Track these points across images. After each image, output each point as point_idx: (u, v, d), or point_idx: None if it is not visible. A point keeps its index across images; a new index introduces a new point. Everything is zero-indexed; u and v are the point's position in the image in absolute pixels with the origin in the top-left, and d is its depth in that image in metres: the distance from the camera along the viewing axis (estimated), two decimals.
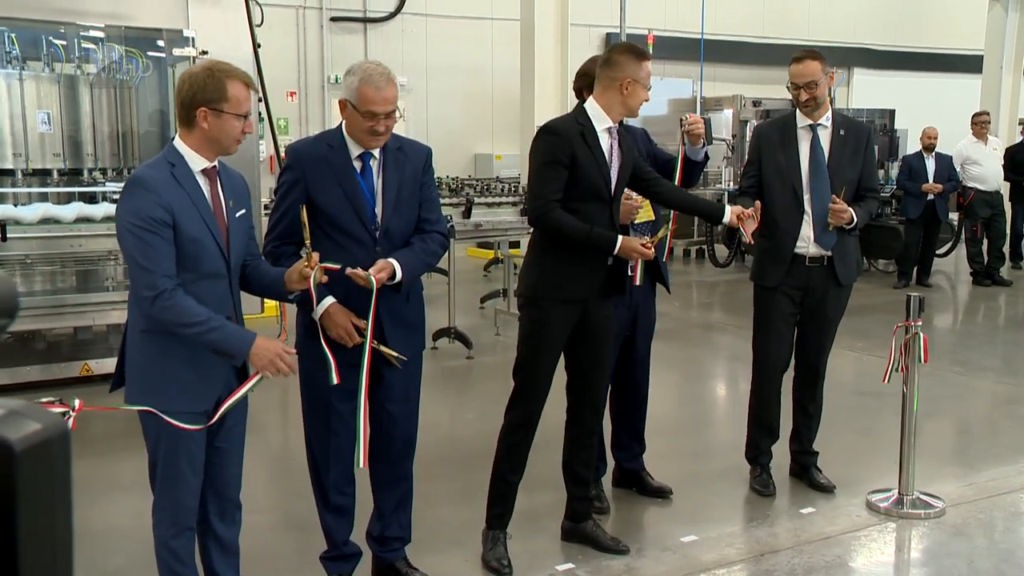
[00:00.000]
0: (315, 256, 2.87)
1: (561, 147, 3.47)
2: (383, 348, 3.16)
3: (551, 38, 10.22)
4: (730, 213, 3.90)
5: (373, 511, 3.46)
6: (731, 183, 11.91)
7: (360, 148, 3.15)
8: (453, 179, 9.79)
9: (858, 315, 7.57)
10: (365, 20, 14.20)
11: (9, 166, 6.42)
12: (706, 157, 4.30)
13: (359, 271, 3.02)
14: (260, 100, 6.78)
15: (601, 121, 3.55)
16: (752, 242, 4.00)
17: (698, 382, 7.12)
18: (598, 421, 3.91)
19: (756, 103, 12.90)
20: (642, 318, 4.30)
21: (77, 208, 6.20)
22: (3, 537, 0.84)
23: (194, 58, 6.35)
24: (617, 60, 3.54)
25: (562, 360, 3.71)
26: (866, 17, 18.00)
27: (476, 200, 7.94)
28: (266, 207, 6.95)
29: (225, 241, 2.82)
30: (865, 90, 17.68)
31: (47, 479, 0.88)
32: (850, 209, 4.18)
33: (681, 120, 4.26)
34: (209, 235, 2.76)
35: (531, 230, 3.87)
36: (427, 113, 12.89)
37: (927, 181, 10.34)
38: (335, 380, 3.03)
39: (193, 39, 6.37)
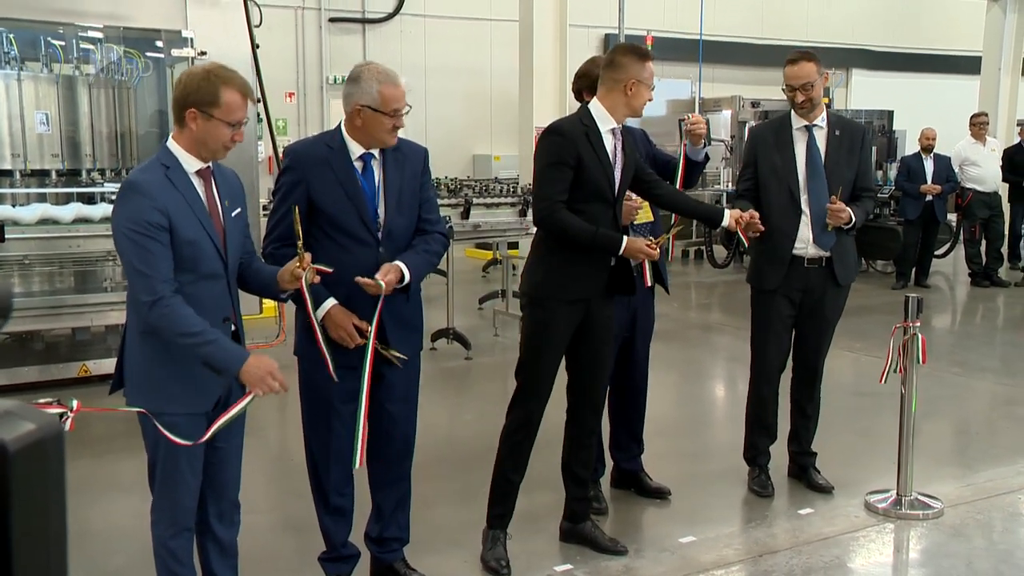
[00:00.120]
0: (307, 257, 2.88)
1: (566, 148, 3.49)
2: (384, 350, 3.16)
3: (550, 39, 10.22)
4: (729, 217, 3.91)
5: (371, 512, 3.46)
6: (729, 184, 11.92)
7: (361, 149, 3.15)
8: (452, 180, 9.78)
9: (857, 316, 7.57)
10: (364, 21, 14.21)
11: (7, 167, 6.41)
12: (706, 158, 4.31)
13: (368, 280, 3.03)
14: (259, 101, 6.78)
15: (605, 122, 3.56)
16: (748, 243, 4.01)
17: (697, 383, 7.12)
18: (598, 421, 3.91)
19: (755, 104, 12.92)
20: (641, 319, 4.30)
21: (75, 209, 6.19)
22: None
23: (192, 59, 6.35)
24: (620, 61, 3.55)
25: (562, 360, 3.72)
26: (864, 18, 18.03)
27: (475, 201, 7.94)
28: (264, 208, 6.96)
29: (222, 242, 2.81)
30: (863, 91, 17.72)
31: (41, 479, 0.88)
32: (848, 209, 4.19)
33: (681, 120, 4.26)
34: (206, 236, 2.75)
35: (530, 231, 3.88)
36: (426, 114, 12.90)
37: (925, 182, 10.35)
38: (335, 378, 3.04)
39: (191, 40, 6.37)
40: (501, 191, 8.89)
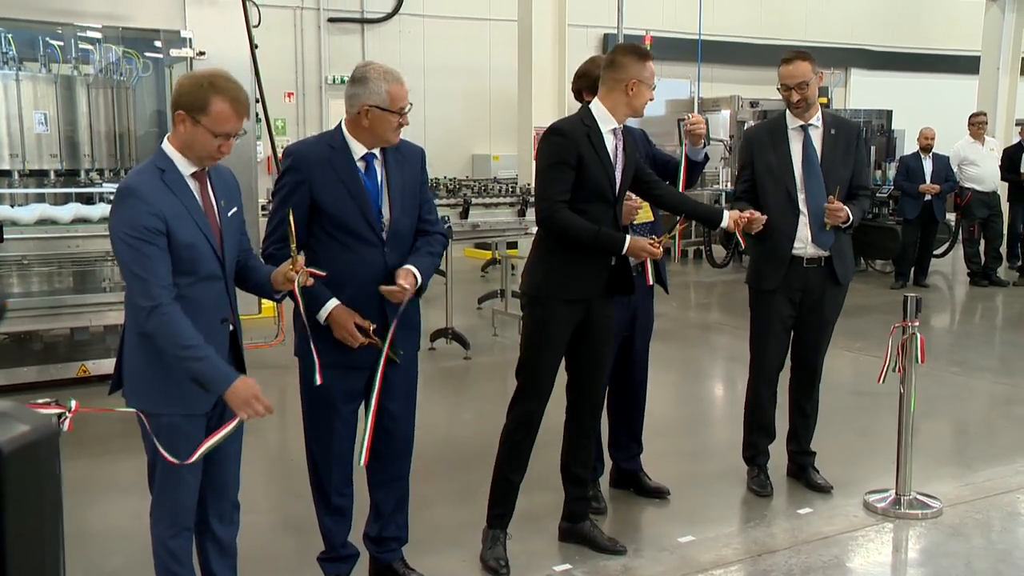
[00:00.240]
0: (300, 259, 2.89)
1: (567, 148, 3.49)
2: (387, 348, 3.16)
3: (549, 39, 10.22)
4: (728, 218, 3.91)
5: (370, 512, 3.46)
6: (728, 183, 11.92)
7: (363, 149, 3.16)
8: (451, 180, 9.78)
9: (855, 315, 7.58)
10: (363, 21, 14.21)
11: (6, 167, 6.41)
12: (706, 157, 4.31)
13: (393, 288, 3.07)
14: (258, 101, 6.78)
15: (606, 122, 3.57)
16: (745, 244, 4.01)
17: (696, 382, 7.12)
18: (597, 421, 3.92)
19: (754, 104, 12.93)
20: (641, 318, 4.30)
21: (74, 209, 6.19)
22: None
23: (191, 59, 6.35)
24: (621, 61, 3.56)
25: (562, 360, 3.72)
26: (864, 18, 18.03)
27: (474, 201, 7.94)
28: (263, 207, 6.96)
29: (219, 243, 2.81)
30: (862, 91, 17.73)
31: (35, 480, 0.88)
32: (846, 208, 4.19)
33: (679, 121, 4.26)
34: (203, 239, 2.75)
35: (529, 231, 3.88)
36: (425, 114, 12.89)
37: (924, 182, 10.35)
38: (318, 381, 3.05)
39: (190, 40, 6.37)
40: (500, 191, 8.89)
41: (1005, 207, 11.23)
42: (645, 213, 4.13)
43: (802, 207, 4.26)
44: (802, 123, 4.29)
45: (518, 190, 8.76)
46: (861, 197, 4.40)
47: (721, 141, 12.34)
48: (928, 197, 10.36)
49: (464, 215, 7.73)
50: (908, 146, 12.30)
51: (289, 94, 13.63)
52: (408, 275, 3.12)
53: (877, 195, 10.99)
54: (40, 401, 2.44)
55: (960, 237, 11.32)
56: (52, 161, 6.55)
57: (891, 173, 11.41)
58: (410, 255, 3.22)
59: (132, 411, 2.75)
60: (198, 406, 2.78)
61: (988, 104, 12.96)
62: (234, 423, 2.72)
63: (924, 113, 12.67)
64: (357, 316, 3.10)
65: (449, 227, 7.32)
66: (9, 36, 6.50)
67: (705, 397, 6.87)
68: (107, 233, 2.78)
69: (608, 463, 4.50)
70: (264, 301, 5.92)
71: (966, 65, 15.76)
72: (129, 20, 6.48)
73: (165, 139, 2.78)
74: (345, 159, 3.14)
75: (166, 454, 2.65)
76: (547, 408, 3.68)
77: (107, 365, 3.81)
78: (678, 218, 4.28)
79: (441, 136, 13.36)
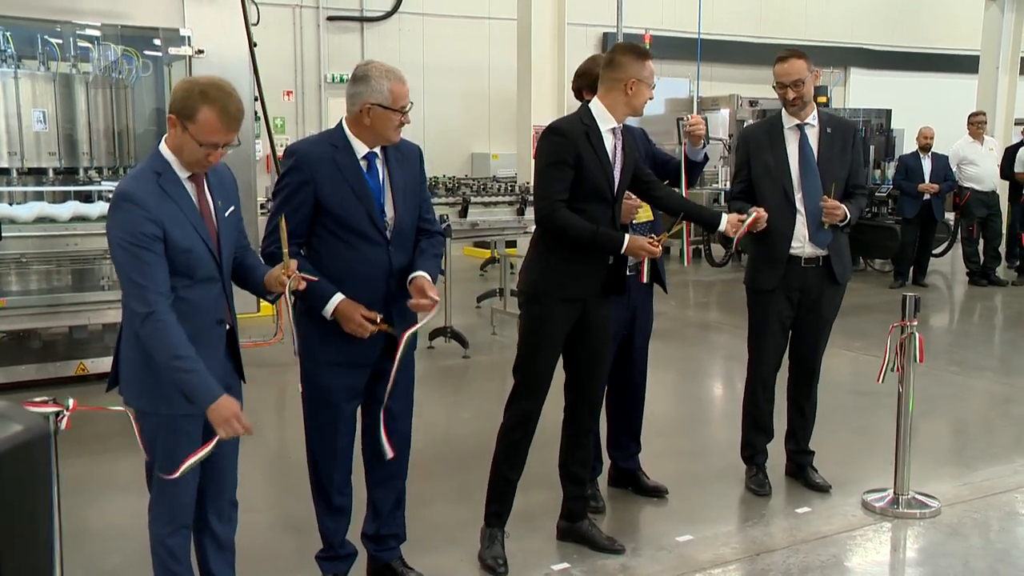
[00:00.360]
0: (292, 264, 2.90)
1: (566, 147, 3.49)
2: (390, 328, 3.17)
3: (548, 38, 10.21)
4: (725, 222, 3.89)
5: (367, 510, 3.46)
6: (727, 183, 11.92)
7: (365, 148, 3.16)
8: (450, 178, 9.78)
9: (854, 315, 7.59)
10: (362, 19, 14.20)
11: (4, 165, 6.41)
12: (705, 158, 4.31)
13: (424, 301, 3.10)
14: (257, 99, 6.78)
15: (605, 121, 3.57)
16: (737, 245, 4.00)
17: (695, 381, 7.12)
18: (595, 420, 3.91)
19: (753, 103, 12.92)
20: (640, 318, 4.30)
21: (73, 207, 6.19)
22: None
23: (190, 57, 6.35)
24: (620, 61, 3.55)
25: (561, 359, 3.72)
26: (863, 17, 18.03)
27: (473, 199, 7.93)
28: (263, 207, 6.95)
29: (216, 245, 2.81)
30: (862, 90, 17.72)
31: (28, 480, 0.87)
32: (843, 206, 4.20)
33: (679, 120, 4.26)
34: (201, 243, 2.75)
35: (528, 229, 3.88)
36: (424, 112, 12.88)
37: (923, 181, 10.35)
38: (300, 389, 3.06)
39: (189, 38, 6.37)
40: (499, 190, 8.90)
41: (1004, 206, 11.24)
42: (645, 212, 4.13)
43: (799, 206, 4.26)
44: (798, 122, 4.29)
45: (517, 189, 8.76)
46: (858, 196, 4.41)
47: (720, 140, 12.35)
48: (927, 196, 10.36)
49: (463, 214, 7.73)
50: (907, 145, 12.29)
51: (288, 92, 13.62)
52: (433, 287, 3.15)
53: (876, 194, 11.00)
54: (38, 400, 2.44)
55: (959, 236, 11.32)
56: (51, 159, 6.55)
57: (890, 172, 11.41)
58: (417, 258, 3.24)
59: (130, 411, 2.75)
60: (196, 405, 2.78)
61: (987, 103, 12.96)
62: (213, 443, 2.72)
63: (923, 112, 12.68)
64: (363, 308, 3.10)
65: (448, 226, 7.33)
66: (8, 34, 6.49)
67: (704, 396, 6.87)
68: (105, 232, 2.77)
69: (607, 462, 4.50)
70: (263, 301, 5.93)
71: (965, 64, 15.76)
72: (128, 18, 6.48)
73: (162, 141, 2.77)
74: (349, 158, 3.14)
75: (166, 475, 2.67)
76: (546, 407, 3.68)
77: (106, 363, 3.80)
78: (679, 216, 4.27)
79: (440, 134, 13.35)
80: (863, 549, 3.95)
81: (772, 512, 4.25)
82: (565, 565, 3.68)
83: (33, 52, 6.70)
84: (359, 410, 3.34)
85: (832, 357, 4.76)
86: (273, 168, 8.38)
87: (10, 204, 6.20)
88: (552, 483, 3.92)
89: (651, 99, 3.64)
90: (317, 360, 3.23)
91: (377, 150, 3.19)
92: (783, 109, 4.32)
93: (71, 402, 2.46)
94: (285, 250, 2.89)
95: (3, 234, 5.82)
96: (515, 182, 9.69)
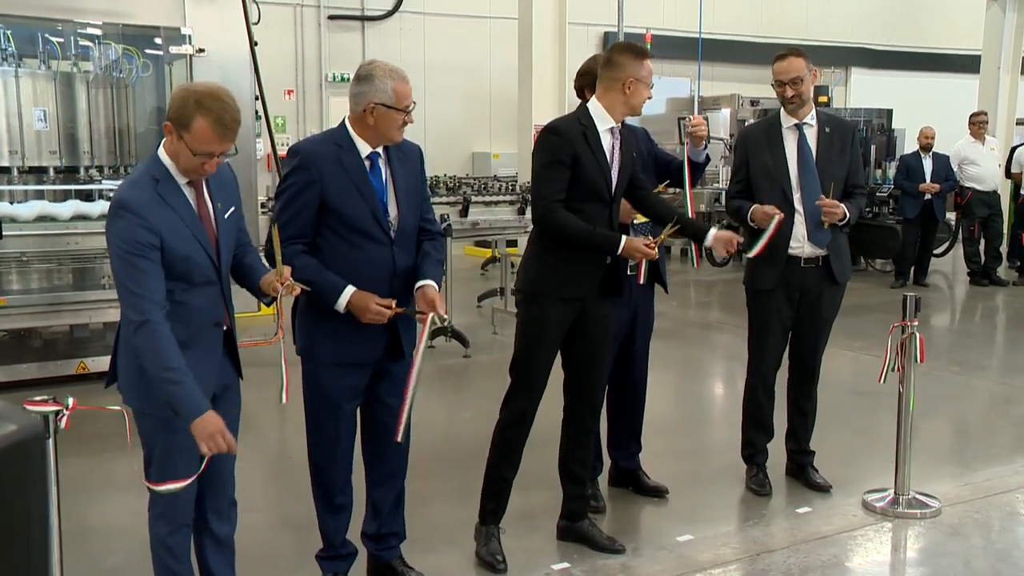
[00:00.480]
0: (286, 271, 2.90)
1: (563, 147, 3.49)
2: (409, 312, 3.18)
3: (549, 37, 10.22)
4: (712, 238, 3.81)
5: (367, 510, 3.45)
6: (728, 182, 11.91)
7: (369, 147, 3.16)
8: (451, 178, 9.78)
9: (855, 315, 7.58)
10: (363, 18, 14.19)
11: (5, 163, 6.42)
12: (707, 158, 4.31)
13: (434, 316, 3.11)
14: (257, 98, 6.78)
15: (603, 121, 3.56)
16: (727, 254, 3.94)
17: (695, 381, 7.12)
18: (595, 420, 3.91)
19: (754, 102, 12.92)
20: (641, 317, 4.30)
21: (73, 206, 6.19)
22: None
23: (191, 56, 6.35)
24: (618, 60, 3.55)
25: (561, 359, 3.72)
26: (864, 17, 18.02)
27: (473, 199, 7.93)
28: (263, 206, 6.95)
29: (215, 250, 2.80)
30: (863, 90, 17.71)
31: (22, 480, 0.87)
32: (841, 205, 4.19)
33: (680, 120, 4.25)
34: (200, 250, 2.75)
35: (528, 229, 3.88)
36: (425, 112, 12.87)
37: (924, 181, 10.35)
38: (284, 399, 3.02)
39: (190, 37, 6.36)
40: (500, 189, 8.90)
41: (1006, 206, 11.23)
42: None
43: (798, 206, 4.25)
44: (797, 122, 4.29)
45: (518, 188, 8.76)
46: (857, 195, 4.40)
47: (721, 140, 12.34)
48: (928, 196, 10.36)
49: (464, 213, 7.73)
50: (908, 145, 12.29)
51: (289, 92, 13.62)
52: (442, 303, 3.16)
53: (877, 194, 10.99)
54: (38, 399, 2.44)
55: (960, 236, 11.32)
56: (51, 158, 6.56)
57: (891, 172, 11.41)
58: (423, 263, 3.23)
59: (129, 409, 2.75)
60: (181, 418, 2.76)
61: (989, 103, 12.96)
62: (196, 475, 2.72)
63: (924, 112, 12.66)
64: (375, 296, 3.09)
65: (449, 225, 7.32)
66: (9, 32, 6.50)
67: (704, 396, 6.87)
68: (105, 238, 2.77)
69: (607, 462, 4.49)
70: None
71: (967, 64, 15.77)
72: (129, 17, 6.48)
73: (160, 145, 2.76)
74: (353, 158, 3.14)
75: (160, 487, 2.70)
76: (545, 407, 3.67)
77: (106, 362, 3.78)
78: (670, 224, 4.24)
79: (441, 134, 13.35)
80: (864, 549, 3.95)
81: (772, 512, 4.25)
82: (565, 565, 3.68)
83: (34, 51, 6.70)
84: (359, 411, 3.34)
85: (832, 357, 4.75)
86: (274, 167, 8.37)
87: (11, 203, 6.20)
88: (552, 483, 3.92)
89: (649, 98, 3.63)
90: (318, 360, 3.23)
91: (380, 150, 3.19)
92: (782, 109, 4.32)
93: (71, 401, 2.46)
94: (278, 257, 2.90)
95: (4, 233, 5.82)
96: (516, 182, 9.69)
